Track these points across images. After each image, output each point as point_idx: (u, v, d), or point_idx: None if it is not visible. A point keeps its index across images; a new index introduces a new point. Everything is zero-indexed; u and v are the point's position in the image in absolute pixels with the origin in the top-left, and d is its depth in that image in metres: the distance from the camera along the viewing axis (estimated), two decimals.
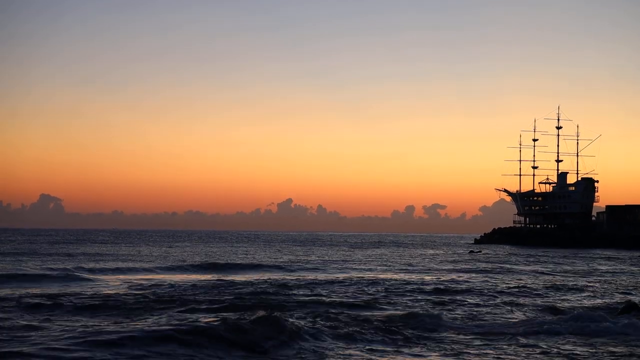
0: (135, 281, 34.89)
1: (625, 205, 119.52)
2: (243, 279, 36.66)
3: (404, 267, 51.44)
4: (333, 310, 22.33)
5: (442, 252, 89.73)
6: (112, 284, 33.32)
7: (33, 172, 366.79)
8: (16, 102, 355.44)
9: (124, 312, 22.11)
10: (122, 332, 15.93)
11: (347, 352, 16.19)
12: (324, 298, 27.34)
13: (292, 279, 37.04)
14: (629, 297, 29.74)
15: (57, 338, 15.64)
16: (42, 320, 19.75)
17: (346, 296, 28.47)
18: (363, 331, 18.62)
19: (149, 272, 42.51)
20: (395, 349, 16.80)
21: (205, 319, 18.80)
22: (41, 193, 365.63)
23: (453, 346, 17.15)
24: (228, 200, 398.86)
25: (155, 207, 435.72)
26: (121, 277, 38.22)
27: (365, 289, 31.95)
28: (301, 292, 29.65)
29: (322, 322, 19.33)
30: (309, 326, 18.41)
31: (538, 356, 16.14)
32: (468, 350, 16.64)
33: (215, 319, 18.12)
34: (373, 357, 15.75)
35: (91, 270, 41.93)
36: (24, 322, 18.93)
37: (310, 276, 40.25)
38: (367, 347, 16.83)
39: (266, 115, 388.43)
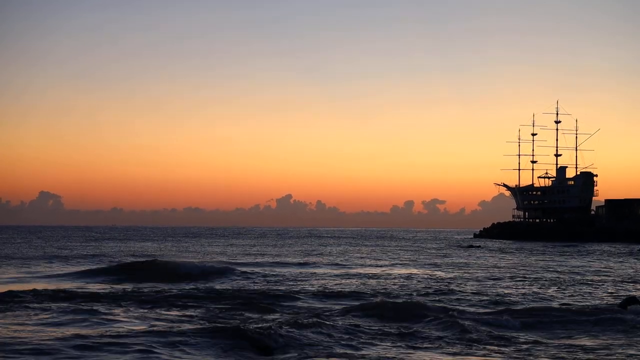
0: None
1: (625, 200, 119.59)
2: None
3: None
4: None
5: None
6: None
7: (32, 169, 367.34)
8: (14, 99, 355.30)
9: None
10: None
11: None
12: None
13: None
14: (629, 291, 29.73)
15: None
16: None
17: None
18: None
19: None
20: None
21: None
22: (40, 190, 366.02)
23: None
24: (227, 196, 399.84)
25: (154, 204, 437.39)
26: None
27: None
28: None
29: None
30: None
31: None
32: None
33: None
34: None
35: None
36: None
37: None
38: None
39: (266, 111, 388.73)
